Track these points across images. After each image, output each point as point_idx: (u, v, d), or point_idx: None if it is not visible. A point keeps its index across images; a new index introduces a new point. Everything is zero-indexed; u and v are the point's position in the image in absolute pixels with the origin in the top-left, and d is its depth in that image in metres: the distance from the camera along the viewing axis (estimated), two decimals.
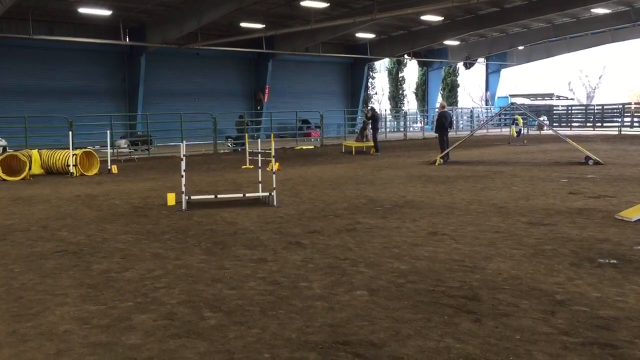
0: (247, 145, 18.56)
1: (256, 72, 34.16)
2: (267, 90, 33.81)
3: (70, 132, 17.05)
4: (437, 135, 19.09)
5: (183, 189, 9.75)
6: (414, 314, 4.55)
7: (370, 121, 22.55)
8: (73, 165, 15.67)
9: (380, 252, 6.58)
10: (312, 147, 27.20)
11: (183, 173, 9.78)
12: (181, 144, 10.49)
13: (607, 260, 5.99)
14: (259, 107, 33.45)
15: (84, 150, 16.65)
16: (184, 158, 9.93)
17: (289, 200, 10.50)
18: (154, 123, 26.57)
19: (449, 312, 4.59)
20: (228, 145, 25.89)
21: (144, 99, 28.99)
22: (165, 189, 11.67)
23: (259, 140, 13.05)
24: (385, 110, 43.16)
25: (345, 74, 39.29)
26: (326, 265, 6.05)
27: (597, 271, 5.63)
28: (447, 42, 37.57)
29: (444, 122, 18.60)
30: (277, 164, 14.96)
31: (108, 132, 17.98)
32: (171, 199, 10.26)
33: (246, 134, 20.78)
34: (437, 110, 20.21)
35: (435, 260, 6.15)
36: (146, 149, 23.61)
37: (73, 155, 15.81)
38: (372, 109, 24.34)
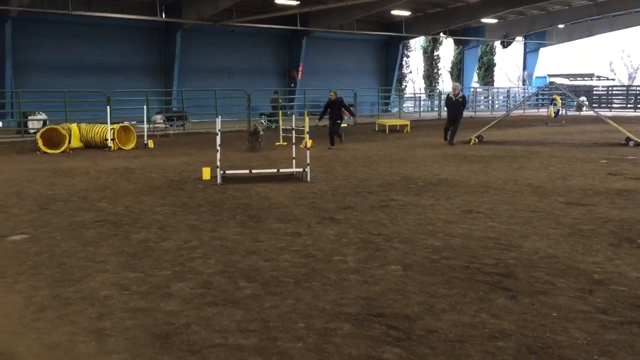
0: (280, 123, 18.59)
1: (290, 49, 34.02)
2: (300, 68, 33.69)
3: (108, 107, 17.32)
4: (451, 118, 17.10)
5: (218, 163, 9.85)
6: (448, 290, 4.54)
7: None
8: (111, 140, 15.95)
9: (414, 228, 6.56)
10: (346, 125, 27.07)
11: (218, 147, 9.87)
12: (216, 119, 10.57)
13: None
14: (292, 85, 33.39)
15: (121, 124, 16.92)
16: (219, 133, 10.01)
17: (322, 177, 10.52)
18: (189, 99, 26.78)
19: (484, 288, 4.57)
20: (262, 122, 25.97)
21: (179, 75, 29.19)
22: (200, 164, 11.80)
23: (293, 117, 13.03)
24: (420, 89, 42.66)
25: (379, 52, 38.84)
26: (360, 240, 6.06)
27: (637, 252, 5.52)
28: (485, 20, 36.72)
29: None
30: (310, 141, 14.96)
31: (144, 107, 18.20)
32: (206, 173, 10.38)
33: (280, 111, 20.79)
34: (454, 94, 16.99)
35: (470, 238, 6.10)
36: (181, 125, 23.86)
37: (111, 129, 16.09)
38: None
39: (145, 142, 16.93)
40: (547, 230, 6.43)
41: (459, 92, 17.38)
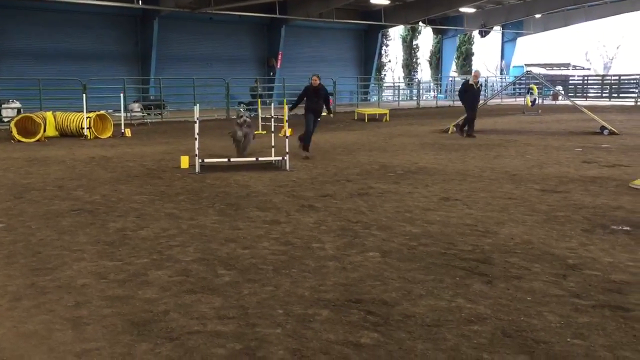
0: (259, 111, 18.50)
1: (269, 38, 33.82)
2: (279, 56, 33.54)
3: (84, 95, 17.07)
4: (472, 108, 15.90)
5: (196, 152, 9.79)
6: (425, 275, 4.59)
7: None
8: (87, 128, 15.74)
9: (393, 215, 6.60)
10: (325, 113, 27.05)
11: (196, 136, 9.81)
12: (194, 107, 10.49)
13: (620, 227, 5.98)
14: (271, 74, 33.23)
15: (97, 113, 16.70)
16: (197, 121, 9.94)
17: (301, 165, 10.52)
18: (167, 87, 26.51)
19: (461, 274, 4.63)
20: (241, 111, 25.81)
21: (157, 63, 28.87)
22: (178, 153, 11.73)
23: (272, 105, 12.98)
24: (399, 78, 42.75)
25: (358, 41, 38.79)
26: (338, 227, 6.09)
27: (610, 237, 5.63)
28: (463, 9, 36.88)
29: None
30: (290, 129, 14.93)
31: (121, 95, 17.97)
32: (184, 162, 10.31)
33: (259, 100, 20.70)
34: (475, 82, 15.71)
35: (448, 225, 6.17)
36: (159, 114, 23.63)
37: (87, 118, 15.87)
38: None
39: (122, 130, 16.74)
40: (523, 216, 6.52)
41: (479, 80, 16.27)
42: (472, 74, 16.45)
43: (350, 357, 3.25)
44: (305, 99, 12.22)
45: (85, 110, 16.21)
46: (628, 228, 5.95)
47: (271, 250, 5.27)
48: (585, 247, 5.31)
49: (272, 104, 13.62)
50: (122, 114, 17.63)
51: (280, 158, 10.33)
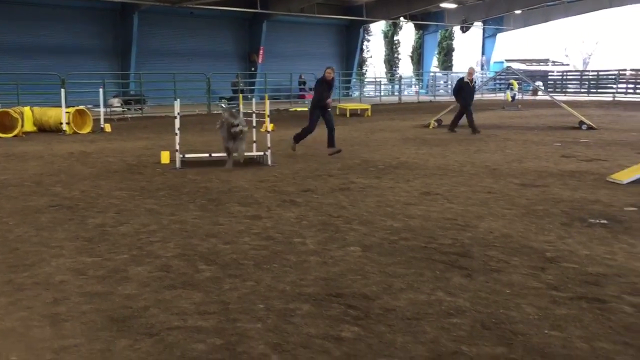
0: (241, 106, 18.41)
1: (250, 33, 33.66)
2: (261, 51, 33.40)
3: (62, 90, 16.85)
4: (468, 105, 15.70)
5: (177, 147, 9.72)
6: (406, 269, 4.62)
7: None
8: (66, 123, 15.55)
9: (374, 210, 6.63)
10: (307, 109, 27.05)
11: (177, 131, 9.74)
12: (175, 102, 10.41)
13: (597, 221, 6.06)
14: (252, 69, 33.09)
15: (76, 108, 16.49)
16: (178, 116, 9.87)
17: (283, 160, 10.50)
18: (148, 82, 26.29)
19: (441, 267, 4.67)
20: (222, 106, 25.69)
21: (137, 58, 28.59)
22: (158, 148, 11.63)
23: (253, 100, 12.93)
24: (381, 73, 42.81)
25: (340, 36, 38.78)
26: (320, 222, 6.10)
27: (588, 230, 5.71)
28: (444, 5, 37.08)
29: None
30: (271, 124, 14.89)
31: (100, 90, 17.78)
32: (165, 157, 10.24)
33: (240, 95, 20.61)
34: (470, 79, 15.71)
35: (428, 219, 6.21)
36: (139, 109, 23.42)
37: (66, 113, 15.67)
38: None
39: (102, 125, 16.56)
40: (502, 210, 6.59)
41: (474, 77, 16.16)
42: (467, 70, 16.38)
43: (330, 350, 3.26)
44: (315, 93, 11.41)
45: (64, 105, 16.01)
46: (605, 221, 6.03)
47: (252, 246, 5.26)
48: (563, 241, 5.38)
49: (254, 99, 13.57)
50: (102, 109, 17.44)
51: (261, 153, 10.30)
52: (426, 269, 4.63)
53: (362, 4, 35.49)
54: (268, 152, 10.08)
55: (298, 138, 11.45)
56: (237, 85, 26.25)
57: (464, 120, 15.65)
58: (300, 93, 31.59)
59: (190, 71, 27.86)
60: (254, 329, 3.52)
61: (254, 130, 11.20)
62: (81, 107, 16.94)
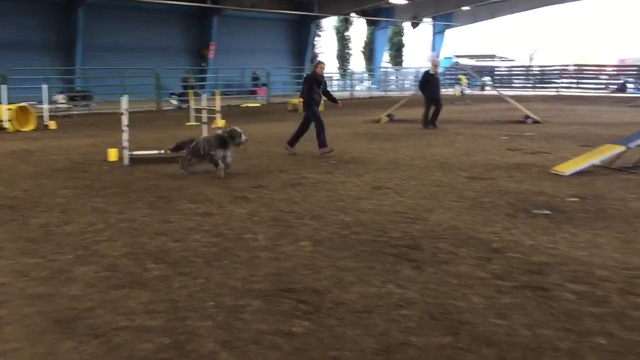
0: (191, 102, 18.18)
1: (201, 28, 33.23)
2: (212, 46, 33.01)
3: (3, 87, 16.23)
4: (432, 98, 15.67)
5: (125, 144, 9.51)
6: (356, 263, 4.65)
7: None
8: (7, 121, 14.99)
9: (325, 205, 6.65)
10: (259, 104, 26.92)
11: (124, 128, 9.53)
12: (122, 98, 10.17)
13: (541, 211, 6.25)
14: (203, 64, 32.67)
15: (19, 105, 15.92)
16: (125, 112, 9.66)
17: (234, 156, 10.36)
18: (94, 78, 25.64)
19: (391, 260, 4.72)
20: (172, 102, 25.29)
21: (83, 53, 27.83)
22: (106, 145, 11.35)
23: (204, 96, 12.78)
24: (333, 69, 42.94)
25: (292, 31, 38.72)
26: (271, 218, 6.08)
27: (532, 221, 5.88)
28: (394, 1, 37.47)
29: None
30: (223, 120, 14.75)
31: (44, 86, 17.21)
32: (112, 154, 10.01)
33: (190, 91, 20.33)
34: (435, 71, 15.76)
35: (379, 213, 6.27)
36: (86, 105, 22.81)
37: (7, 110, 15.11)
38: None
39: (46, 123, 16.05)
40: (451, 203, 6.71)
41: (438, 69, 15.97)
42: (432, 62, 16.48)
43: (281, 346, 3.26)
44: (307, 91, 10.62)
45: (5, 102, 15.43)
46: (548, 212, 6.22)
47: (202, 243, 5.20)
48: (508, 231, 5.52)
49: (204, 95, 13.41)
50: (46, 106, 16.89)
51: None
52: (377, 262, 4.67)
53: (313, 0, 35.52)
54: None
55: (294, 141, 10.93)
56: (187, 81, 25.87)
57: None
58: (253, 89, 31.40)
59: (139, 66, 27.31)
60: (204, 326, 3.48)
61: (204, 126, 11.08)
62: (23, 104, 16.37)
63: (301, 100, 10.64)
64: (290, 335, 3.38)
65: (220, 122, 10.90)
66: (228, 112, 20.66)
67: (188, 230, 5.59)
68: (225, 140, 8.43)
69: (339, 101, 11.29)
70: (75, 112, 21.27)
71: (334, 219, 6.00)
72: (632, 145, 8.77)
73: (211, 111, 12.04)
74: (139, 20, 30.54)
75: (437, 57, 46.61)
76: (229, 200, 6.92)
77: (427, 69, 16.76)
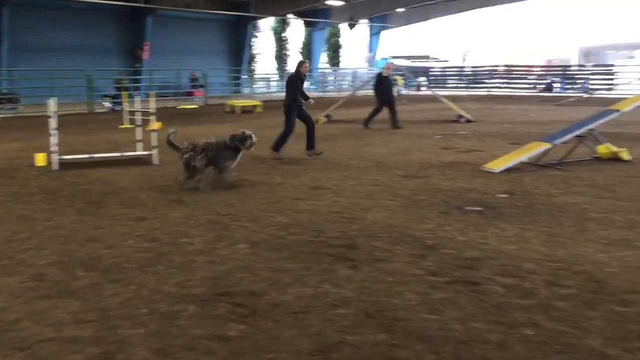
0: (125, 104, 17.69)
1: (134, 28, 32.38)
2: (146, 47, 32.25)
3: None
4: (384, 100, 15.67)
5: (54, 148, 9.17)
6: (293, 264, 4.65)
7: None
8: None
9: (263, 206, 6.61)
10: (196, 106, 26.51)
11: (52, 132, 9.18)
12: (49, 101, 9.80)
13: (473, 208, 6.43)
14: (137, 65, 31.87)
15: None
16: (54, 115, 9.31)
17: (170, 159, 10.16)
18: (21, 80, 24.56)
19: (328, 260, 4.74)
20: (105, 105, 24.55)
21: (9, 54, 26.60)
22: (34, 150, 10.88)
23: (138, 98, 12.47)
24: (271, 70, 42.82)
25: (229, 32, 38.28)
26: (208, 221, 6.00)
27: (464, 218, 6.04)
28: (330, 2, 37.68)
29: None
30: (158, 123, 14.42)
31: None
32: (40, 159, 9.62)
33: (124, 93, 19.79)
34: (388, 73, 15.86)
35: (316, 213, 6.29)
36: (11, 108, 21.83)
37: None
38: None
39: None
40: (387, 202, 6.81)
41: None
42: (385, 65, 16.66)
43: (216, 351, 3.22)
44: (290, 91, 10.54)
45: None
46: (480, 208, 6.41)
47: (136, 248, 5.07)
48: (442, 228, 5.65)
49: (139, 97, 13.08)
50: None
51: (147, 153, 9.95)
52: (313, 262, 4.69)
53: (249, 0, 35.30)
54: (154, 152, 9.75)
55: (278, 146, 10.54)
56: (120, 82, 25.16)
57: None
58: (190, 90, 30.89)
59: (70, 68, 26.36)
60: (136, 334, 3.40)
61: (139, 129, 10.80)
62: None
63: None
64: (226, 340, 3.34)
65: (155, 125, 10.64)
66: (164, 114, 20.23)
67: (121, 236, 5.44)
68: (238, 149, 8.00)
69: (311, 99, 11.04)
70: (0, 116, 20.33)
71: (271, 221, 5.98)
72: (556, 142, 9.16)
73: (145, 113, 11.74)
74: (69, 20, 29.46)
75: (374, 58, 47.34)
76: (164, 204, 6.78)
77: (379, 71, 16.99)
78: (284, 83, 12.12)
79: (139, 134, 10.62)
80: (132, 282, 4.24)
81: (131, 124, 15.76)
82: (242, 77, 37.74)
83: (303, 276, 4.37)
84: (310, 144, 10.59)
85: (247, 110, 22.42)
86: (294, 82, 10.54)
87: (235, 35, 38.44)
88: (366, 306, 3.80)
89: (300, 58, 43.42)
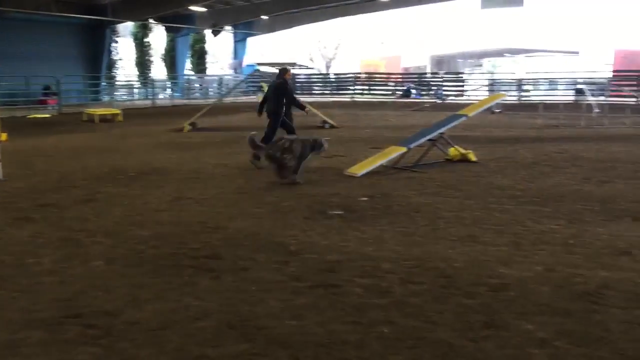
0: None
1: None
2: None
3: None
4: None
5: None
6: (153, 279, 4.48)
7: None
8: None
9: (121, 220, 6.31)
10: (49, 115, 24.78)
11: None
12: None
13: (335, 212, 6.60)
14: None
15: None
16: None
17: (18, 174, 9.41)
18: None
19: (190, 272, 4.62)
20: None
21: None
22: None
23: None
24: (132, 76, 41.20)
25: (85, 36, 36.20)
26: (59, 238, 5.60)
27: (327, 222, 6.18)
28: (193, 8, 37.02)
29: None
30: (4, 134, 13.31)
31: None
32: None
33: None
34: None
35: (179, 224, 6.11)
36: None
37: None
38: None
39: None
40: (253, 210, 6.79)
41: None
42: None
43: None
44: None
45: None
46: (341, 212, 6.59)
47: None
48: (305, 233, 5.73)
49: None
50: None
51: None
52: (175, 275, 4.54)
53: (106, 4, 33.70)
54: None
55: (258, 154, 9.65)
56: None
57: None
58: (42, 98, 28.82)
59: None
60: None
61: None
62: None
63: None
64: None
65: (2, 136, 9.79)
66: (11, 125, 18.68)
67: None
68: (314, 147, 8.70)
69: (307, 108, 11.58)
70: None
71: (130, 235, 5.72)
72: (411, 146, 9.68)
73: None
74: None
75: (241, 64, 47.26)
76: (8, 222, 6.24)
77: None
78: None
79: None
80: None
81: None
82: (102, 83, 35.91)
83: (163, 291, 4.22)
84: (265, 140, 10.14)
85: (106, 119, 21.35)
86: (282, 90, 10.71)
87: (93, 40, 36.48)
88: (228, 317, 3.74)
89: (163, 65, 42.30)
